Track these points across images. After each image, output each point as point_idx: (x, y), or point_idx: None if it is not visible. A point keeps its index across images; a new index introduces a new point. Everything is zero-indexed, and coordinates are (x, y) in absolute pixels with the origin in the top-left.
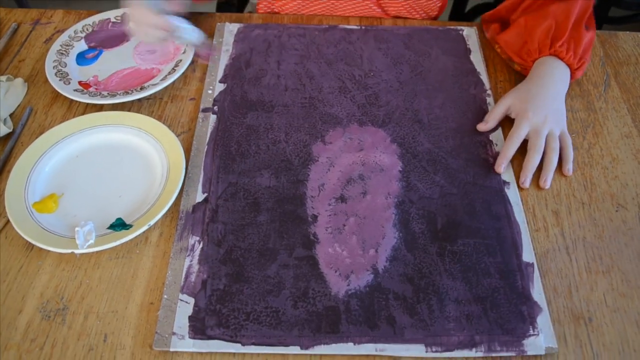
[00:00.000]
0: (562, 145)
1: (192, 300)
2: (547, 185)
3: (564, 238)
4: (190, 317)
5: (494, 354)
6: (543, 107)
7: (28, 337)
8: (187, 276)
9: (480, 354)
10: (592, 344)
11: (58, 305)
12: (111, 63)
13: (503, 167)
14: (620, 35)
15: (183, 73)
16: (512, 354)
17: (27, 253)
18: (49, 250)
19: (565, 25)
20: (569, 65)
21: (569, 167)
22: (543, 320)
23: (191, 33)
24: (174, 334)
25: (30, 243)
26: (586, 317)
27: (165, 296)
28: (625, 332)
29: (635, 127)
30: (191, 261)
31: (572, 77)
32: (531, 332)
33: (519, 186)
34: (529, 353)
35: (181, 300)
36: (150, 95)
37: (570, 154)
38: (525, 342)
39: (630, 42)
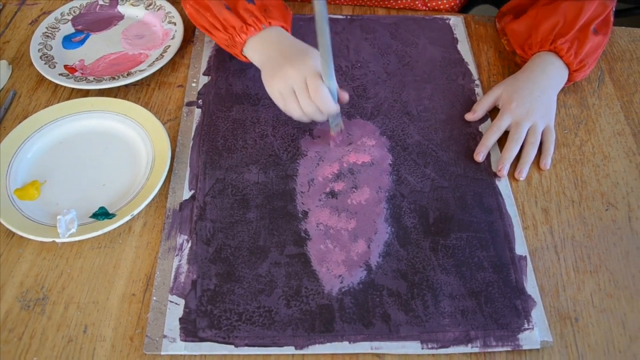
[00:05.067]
0: (543, 139)
1: (182, 302)
2: (522, 177)
3: (553, 236)
4: (181, 319)
5: (489, 349)
6: (528, 100)
7: (6, 327)
8: (176, 277)
9: (476, 349)
10: (578, 344)
11: (38, 295)
12: (98, 47)
13: (482, 156)
14: (616, 31)
15: (171, 59)
16: (508, 348)
17: (7, 241)
18: (29, 239)
19: (572, 24)
20: (567, 65)
21: (545, 162)
22: (537, 314)
23: (339, 117)
24: (164, 336)
25: (10, 231)
26: (572, 317)
27: (155, 298)
28: (611, 333)
29: (627, 125)
30: (180, 261)
31: (570, 78)
32: (526, 326)
33: (511, 178)
34: (524, 347)
35: (171, 301)
36: (137, 81)
37: (549, 149)
38: (520, 336)
39: (626, 38)
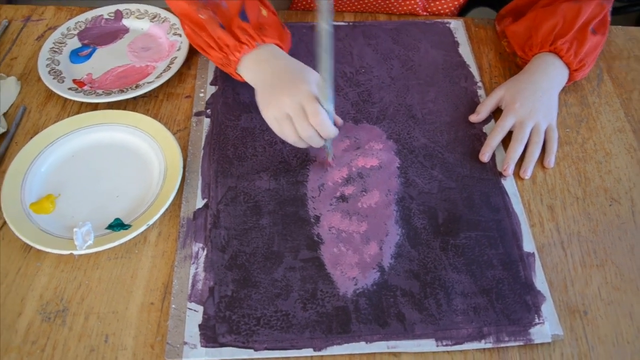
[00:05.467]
0: (546, 138)
1: (200, 309)
2: (527, 175)
3: (559, 233)
4: (200, 326)
5: (502, 345)
6: (531, 100)
7: (29, 340)
8: (193, 284)
9: (489, 345)
10: (588, 337)
11: (58, 307)
12: (105, 60)
13: (487, 156)
14: (612, 30)
15: (178, 70)
16: (520, 343)
17: (25, 255)
18: (47, 252)
19: (571, 25)
20: (568, 65)
21: (549, 160)
22: (547, 308)
23: (332, 143)
24: (185, 343)
25: (28, 245)
26: (581, 310)
27: (173, 306)
28: (619, 325)
29: (627, 122)
30: (196, 269)
31: (571, 77)
32: (537, 320)
33: (516, 177)
34: (536, 342)
35: (189, 309)
36: (146, 93)
37: (553, 148)
38: (531, 331)
39: (622, 37)
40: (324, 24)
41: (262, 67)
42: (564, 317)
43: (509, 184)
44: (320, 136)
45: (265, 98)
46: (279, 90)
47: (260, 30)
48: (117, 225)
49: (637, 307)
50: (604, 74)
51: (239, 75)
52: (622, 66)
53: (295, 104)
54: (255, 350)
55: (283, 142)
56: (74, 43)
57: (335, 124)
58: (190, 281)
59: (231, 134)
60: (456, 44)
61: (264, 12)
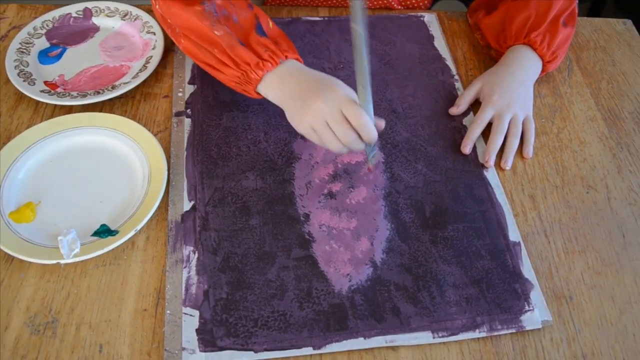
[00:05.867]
0: (524, 129)
1: (196, 313)
2: (507, 166)
3: (542, 221)
4: (197, 330)
5: (495, 333)
6: (508, 92)
7: (18, 354)
8: (187, 288)
9: (483, 334)
10: (574, 321)
11: (47, 318)
12: (77, 61)
13: (468, 148)
14: (579, 21)
15: (154, 70)
16: (512, 330)
17: (7, 266)
18: (30, 262)
19: (544, 18)
20: (541, 57)
21: (528, 150)
22: (535, 295)
23: (377, 147)
24: (184, 349)
25: (8, 256)
26: (567, 295)
27: (168, 311)
28: (602, 308)
29: (598, 111)
30: (189, 272)
31: (544, 69)
32: (527, 308)
33: (497, 168)
34: (527, 328)
35: (185, 313)
36: (122, 94)
37: (530, 138)
38: (522, 318)
39: (588, 28)
40: (358, 27)
41: (288, 82)
42: (551, 303)
43: (491, 175)
44: (362, 140)
45: (297, 111)
46: (313, 99)
47: (277, 44)
48: (104, 231)
49: (618, 290)
50: (573, 64)
51: (257, 93)
52: (589, 57)
53: (333, 108)
54: (255, 352)
55: (267, 140)
56: (42, 43)
57: (377, 128)
58: (184, 286)
59: (214, 133)
60: (431, 38)
61: (270, 23)
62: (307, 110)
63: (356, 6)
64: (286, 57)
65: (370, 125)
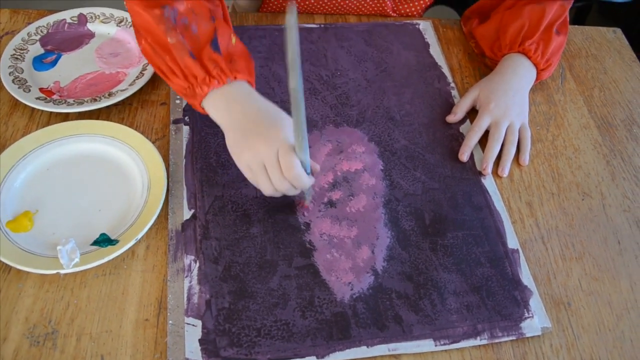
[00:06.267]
0: (520, 137)
1: (199, 323)
2: (505, 173)
3: (539, 228)
4: (200, 340)
5: (496, 340)
6: (504, 100)
7: None
8: (189, 298)
9: (484, 341)
10: (573, 327)
11: (46, 329)
12: (72, 67)
13: (466, 156)
14: (571, 29)
15: (151, 77)
16: (513, 337)
17: (4, 276)
18: (28, 272)
19: (537, 26)
20: (535, 65)
21: (524, 158)
22: (535, 302)
23: (311, 190)
24: (187, 359)
25: (6, 265)
26: (565, 302)
27: (170, 321)
28: (600, 314)
29: (591, 118)
30: (190, 282)
31: (538, 77)
32: (526, 315)
33: (494, 175)
34: (527, 335)
35: (187, 323)
36: (119, 101)
37: (527, 146)
38: (522, 325)
39: (579, 36)
40: (294, 84)
41: (232, 107)
42: (550, 310)
43: (489, 183)
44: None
45: (238, 143)
46: (254, 137)
47: (231, 62)
48: (104, 240)
49: (615, 296)
50: (566, 72)
51: (202, 108)
52: (581, 64)
53: (272, 152)
54: None
55: None
56: (37, 49)
57: (312, 172)
58: (186, 295)
59: (212, 141)
60: (427, 45)
61: (234, 39)
62: (246, 147)
63: (293, 62)
64: (235, 77)
65: (301, 177)
